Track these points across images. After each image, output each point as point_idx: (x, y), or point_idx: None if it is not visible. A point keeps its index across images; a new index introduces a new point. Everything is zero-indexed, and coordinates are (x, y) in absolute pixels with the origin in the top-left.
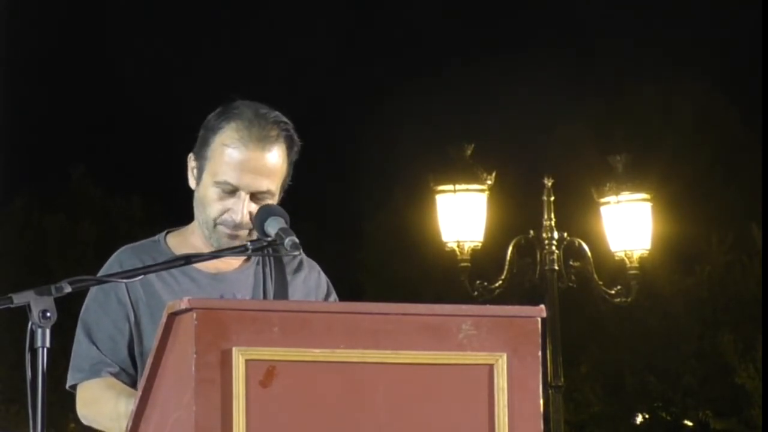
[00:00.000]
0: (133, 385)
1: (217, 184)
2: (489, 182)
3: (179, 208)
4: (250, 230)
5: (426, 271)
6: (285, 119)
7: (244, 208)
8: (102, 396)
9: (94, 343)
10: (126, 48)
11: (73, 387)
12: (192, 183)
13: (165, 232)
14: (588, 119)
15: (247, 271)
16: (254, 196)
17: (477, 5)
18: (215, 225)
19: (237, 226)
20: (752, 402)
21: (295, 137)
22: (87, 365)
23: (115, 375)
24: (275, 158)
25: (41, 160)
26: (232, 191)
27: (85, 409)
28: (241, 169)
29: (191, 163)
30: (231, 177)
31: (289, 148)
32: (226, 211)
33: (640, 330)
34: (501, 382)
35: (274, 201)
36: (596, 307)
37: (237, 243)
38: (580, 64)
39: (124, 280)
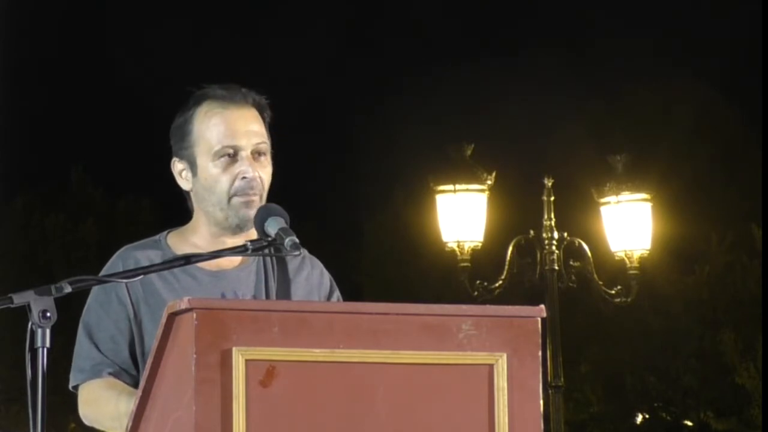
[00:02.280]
0: (135, 385)
1: (217, 154)
2: (489, 182)
3: (182, 208)
4: (261, 197)
5: (426, 271)
6: (247, 89)
7: (250, 166)
8: (102, 396)
9: (95, 344)
10: (127, 47)
11: (75, 388)
12: (186, 185)
13: (166, 231)
14: (588, 119)
15: (249, 269)
16: (254, 157)
17: (477, 5)
18: (229, 199)
19: (251, 182)
20: (752, 402)
21: (263, 101)
22: (88, 366)
23: (116, 375)
24: (254, 116)
25: (42, 160)
26: (233, 156)
27: (87, 410)
28: (233, 129)
29: (177, 166)
30: (227, 140)
31: (260, 110)
32: (236, 177)
33: (640, 330)
34: (501, 382)
35: (269, 161)
36: (596, 307)
37: (252, 211)
38: (580, 64)
39: (125, 280)
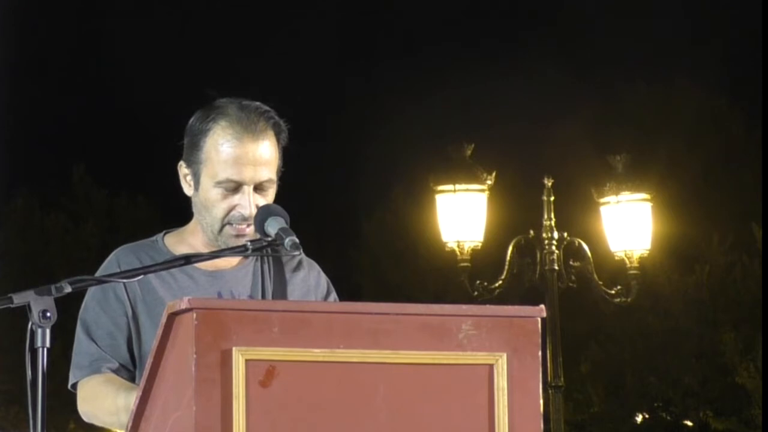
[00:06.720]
0: (133, 381)
1: (219, 183)
2: (489, 182)
3: (182, 209)
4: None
5: (426, 271)
6: (268, 108)
7: (251, 201)
8: (101, 391)
9: (93, 341)
10: (128, 47)
11: (74, 387)
12: (188, 190)
13: (163, 232)
14: (588, 119)
15: (246, 269)
16: (257, 188)
17: (477, 5)
18: (222, 226)
19: (247, 219)
20: (752, 402)
21: (281, 124)
22: (86, 362)
23: (115, 371)
24: (268, 147)
25: (43, 160)
26: (236, 188)
27: (85, 406)
28: (240, 163)
29: (183, 170)
30: (232, 174)
31: (278, 135)
32: (233, 208)
33: (640, 330)
34: (501, 382)
35: (273, 189)
36: (596, 307)
37: (242, 240)
38: (579, 64)
39: (124, 280)
